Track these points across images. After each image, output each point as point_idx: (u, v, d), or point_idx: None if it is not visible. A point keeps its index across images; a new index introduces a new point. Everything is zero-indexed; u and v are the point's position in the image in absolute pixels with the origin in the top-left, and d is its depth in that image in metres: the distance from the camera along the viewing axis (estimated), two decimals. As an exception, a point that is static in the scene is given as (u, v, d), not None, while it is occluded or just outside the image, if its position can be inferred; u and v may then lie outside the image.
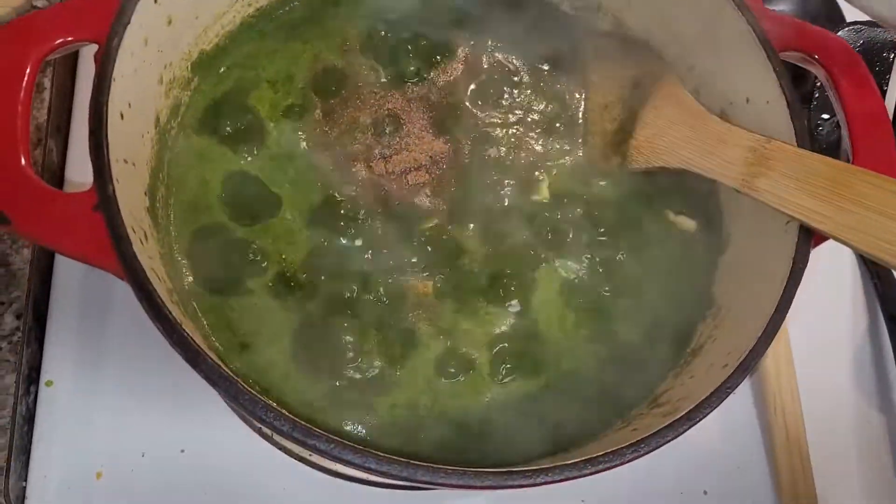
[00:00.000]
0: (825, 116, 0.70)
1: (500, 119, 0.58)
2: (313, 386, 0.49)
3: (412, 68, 0.58)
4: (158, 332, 0.38)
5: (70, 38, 0.42)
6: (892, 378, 0.65)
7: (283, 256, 0.52)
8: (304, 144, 0.55)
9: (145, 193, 0.47)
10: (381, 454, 0.38)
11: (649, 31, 0.58)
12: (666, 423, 0.41)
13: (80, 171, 0.61)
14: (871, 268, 0.69)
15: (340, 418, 0.48)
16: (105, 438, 0.55)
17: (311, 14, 0.58)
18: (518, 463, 0.47)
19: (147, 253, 0.42)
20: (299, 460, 0.57)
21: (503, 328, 0.52)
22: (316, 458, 0.57)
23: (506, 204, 0.56)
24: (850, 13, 0.70)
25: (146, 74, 0.47)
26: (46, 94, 0.60)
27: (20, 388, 0.54)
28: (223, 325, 0.49)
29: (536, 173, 0.57)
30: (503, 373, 0.51)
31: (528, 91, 0.59)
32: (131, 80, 0.44)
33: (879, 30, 0.70)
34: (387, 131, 0.56)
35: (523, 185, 0.56)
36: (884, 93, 0.70)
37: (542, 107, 0.59)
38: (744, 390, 0.64)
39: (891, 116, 0.50)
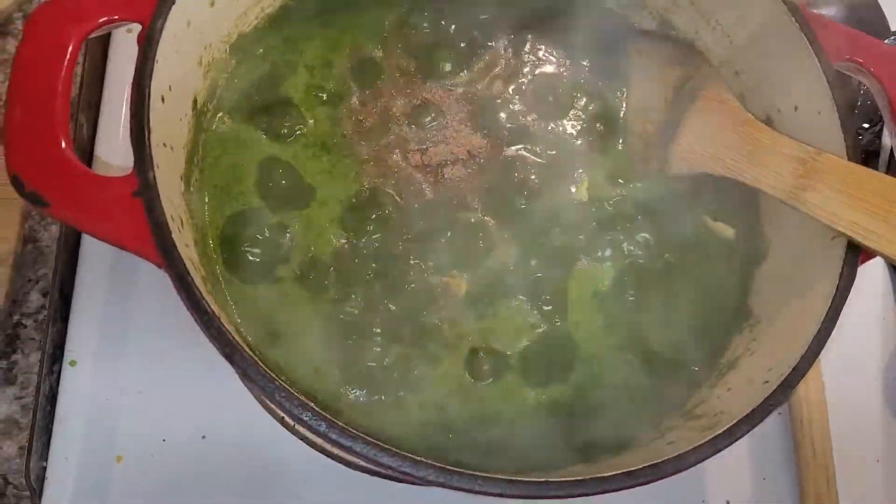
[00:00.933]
0: (865, 125, 0.69)
1: (539, 115, 0.57)
2: (341, 380, 0.48)
3: (452, 61, 0.57)
4: (183, 317, 0.37)
5: (115, 17, 0.41)
6: (921, 395, 0.65)
7: (315, 246, 0.51)
8: (339, 132, 0.54)
9: (181, 178, 0.46)
10: (419, 459, 0.37)
11: (696, 33, 0.57)
12: (706, 439, 0.40)
13: (109, 147, 0.61)
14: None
15: (369, 415, 0.47)
16: (126, 422, 0.54)
17: (352, 1, 0.57)
18: (545, 469, 0.47)
19: (184, 241, 0.41)
20: (320, 451, 0.57)
21: (536, 331, 0.51)
22: (337, 451, 0.56)
23: (542, 203, 0.55)
24: (896, 22, 0.69)
25: (187, 56, 0.47)
26: (79, 69, 0.59)
27: (44, 367, 0.53)
28: (252, 314, 0.49)
29: (575, 173, 0.56)
30: (533, 376, 0.50)
31: (569, 88, 0.58)
32: (173, 63, 0.43)
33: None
34: (424, 123, 0.55)
35: (561, 184, 0.55)
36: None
37: (582, 105, 0.58)
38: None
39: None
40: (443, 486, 0.37)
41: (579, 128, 0.57)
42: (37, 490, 0.52)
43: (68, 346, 0.55)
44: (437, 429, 0.48)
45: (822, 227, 0.46)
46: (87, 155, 0.60)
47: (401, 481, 0.58)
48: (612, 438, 0.48)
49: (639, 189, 0.56)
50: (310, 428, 0.36)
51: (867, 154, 0.69)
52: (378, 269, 0.51)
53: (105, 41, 0.64)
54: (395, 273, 0.51)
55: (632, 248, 0.54)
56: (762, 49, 0.53)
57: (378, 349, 0.50)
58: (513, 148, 0.56)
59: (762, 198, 0.54)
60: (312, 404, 0.37)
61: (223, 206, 0.50)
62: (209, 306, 0.37)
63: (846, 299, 0.44)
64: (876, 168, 0.46)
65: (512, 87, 0.57)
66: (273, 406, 0.41)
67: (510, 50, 0.58)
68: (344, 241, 0.51)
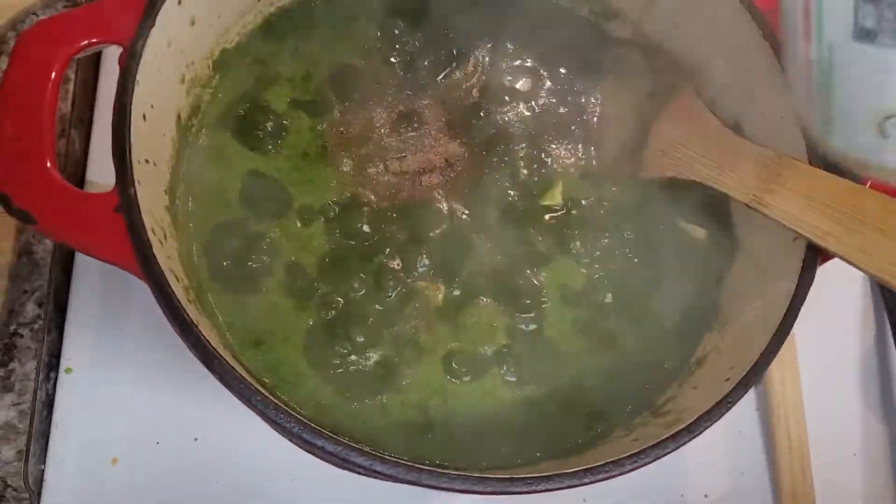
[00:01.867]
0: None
1: (515, 122, 0.59)
2: (324, 384, 0.50)
3: (429, 71, 0.59)
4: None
5: (95, 40, 0.43)
6: (898, 389, 0.66)
7: (297, 254, 0.53)
8: (320, 143, 0.56)
9: (165, 191, 0.48)
10: (389, 457, 0.39)
11: (667, 42, 0.58)
12: (667, 435, 0.41)
13: (102, 163, 0.62)
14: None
15: (351, 417, 0.49)
16: (121, 425, 0.56)
17: (332, 14, 0.59)
18: (520, 466, 0.48)
19: (166, 253, 0.43)
20: (309, 452, 0.58)
21: (510, 331, 0.53)
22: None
23: (518, 207, 0.56)
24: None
25: (169, 75, 0.48)
26: (70, 86, 0.61)
27: (40, 374, 0.55)
28: (237, 321, 0.51)
29: (550, 178, 0.58)
30: (508, 376, 0.52)
31: (545, 95, 0.60)
32: (155, 82, 0.45)
33: None
34: (403, 132, 0.57)
35: (537, 189, 0.57)
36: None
37: (558, 111, 0.60)
38: (748, 396, 0.63)
39: None
40: (413, 483, 0.39)
41: (555, 134, 0.59)
42: (35, 492, 0.54)
43: (64, 354, 0.57)
44: (418, 429, 0.50)
45: (785, 228, 0.47)
46: (80, 170, 0.62)
47: (392, 480, 0.60)
48: (585, 436, 0.50)
49: (612, 192, 0.58)
50: (282, 430, 0.38)
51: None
52: (358, 275, 0.53)
53: (97, 59, 0.65)
54: (375, 279, 0.53)
55: (606, 249, 0.56)
56: (730, 56, 0.54)
57: (361, 353, 0.51)
58: (489, 154, 0.57)
59: (732, 200, 0.55)
60: (287, 408, 0.39)
61: (207, 218, 0.52)
62: (188, 316, 0.39)
63: (805, 299, 0.45)
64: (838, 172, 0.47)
65: (488, 95, 0.59)
66: (252, 410, 0.43)
67: (487, 59, 0.60)
68: (325, 248, 0.53)
